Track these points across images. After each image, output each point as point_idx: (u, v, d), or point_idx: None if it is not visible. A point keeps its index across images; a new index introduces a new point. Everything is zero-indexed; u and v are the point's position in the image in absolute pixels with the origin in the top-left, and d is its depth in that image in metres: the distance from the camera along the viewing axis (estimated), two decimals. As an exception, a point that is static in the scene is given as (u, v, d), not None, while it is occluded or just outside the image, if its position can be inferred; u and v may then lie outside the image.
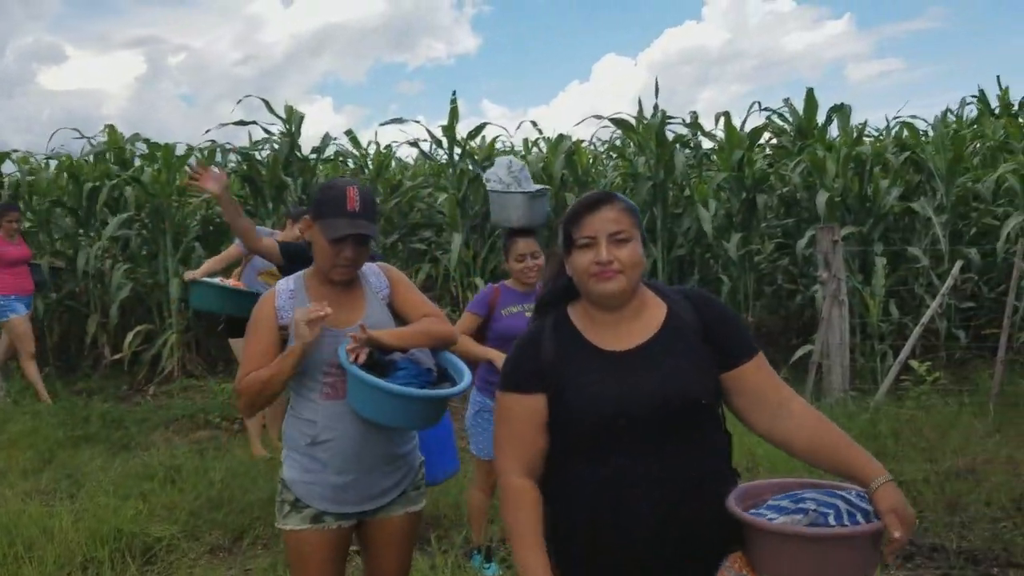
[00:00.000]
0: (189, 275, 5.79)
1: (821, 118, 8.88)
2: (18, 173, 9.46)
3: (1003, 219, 7.78)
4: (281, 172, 8.78)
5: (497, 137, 9.80)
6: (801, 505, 1.67)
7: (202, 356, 8.68)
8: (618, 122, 8.87)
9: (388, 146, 10.28)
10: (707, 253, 8.63)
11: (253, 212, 8.80)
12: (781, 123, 9.27)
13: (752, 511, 1.70)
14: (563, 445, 1.80)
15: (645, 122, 8.57)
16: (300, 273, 2.48)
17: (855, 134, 8.74)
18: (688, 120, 8.91)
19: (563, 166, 8.73)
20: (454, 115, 8.81)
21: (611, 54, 48.25)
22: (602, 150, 10.70)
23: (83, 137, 9.38)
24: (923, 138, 8.76)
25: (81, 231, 9.03)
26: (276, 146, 8.99)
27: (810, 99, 8.81)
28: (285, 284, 2.44)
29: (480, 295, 3.83)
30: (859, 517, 1.62)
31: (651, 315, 1.83)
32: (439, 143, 9.27)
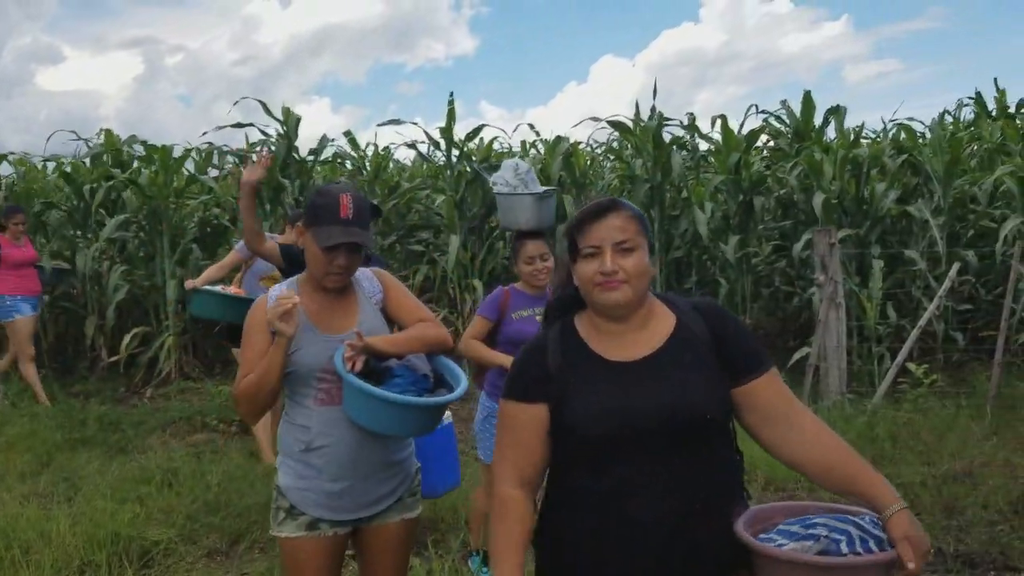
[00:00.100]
0: (190, 284, 5.79)
1: (818, 120, 8.90)
2: (14, 175, 9.44)
3: (1000, 221, 7.80)
4: (278, 174, 8.77)
5: (495, 139, 9.82)
6: (812, 531, 1.63)
7: (199, 358, 8.67)
8: (615, 124, 8.89)
9: (386, 148, 10.29)
10: (704, 255, 8.64)
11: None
12: (778, 125, 9.28)
13: (762, 535, 1.66)
14: (566, 454, 1.78)
15: (642, 124, 8.59)
16: (293, 279, 2.48)
17: (852, 136, 8.76)
18: (685, 122, 8.93)
19: (561, 168, 8.73)
20: (451, 117, 8.83)
21: (609, 55, 48.40)
22: (599, 152, 10.71)
23: (80, 139, 9.39)
24: (920, 140, 8.78)
25: (78, 233, 9.02)
26: (273, 148, 8.99)
27: (807, 101, 8.83)
28: (278, 290, 2.43)
29: (490, 298, 3.77)
30: (872, 544, 1.58)
31: (659, 326, 1.79)
32: (437, 145, 9.28)
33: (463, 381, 2.38)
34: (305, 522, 2.36)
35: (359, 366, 2.22)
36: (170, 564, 4.06)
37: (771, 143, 9.45)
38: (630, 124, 8.76)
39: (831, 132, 8.96)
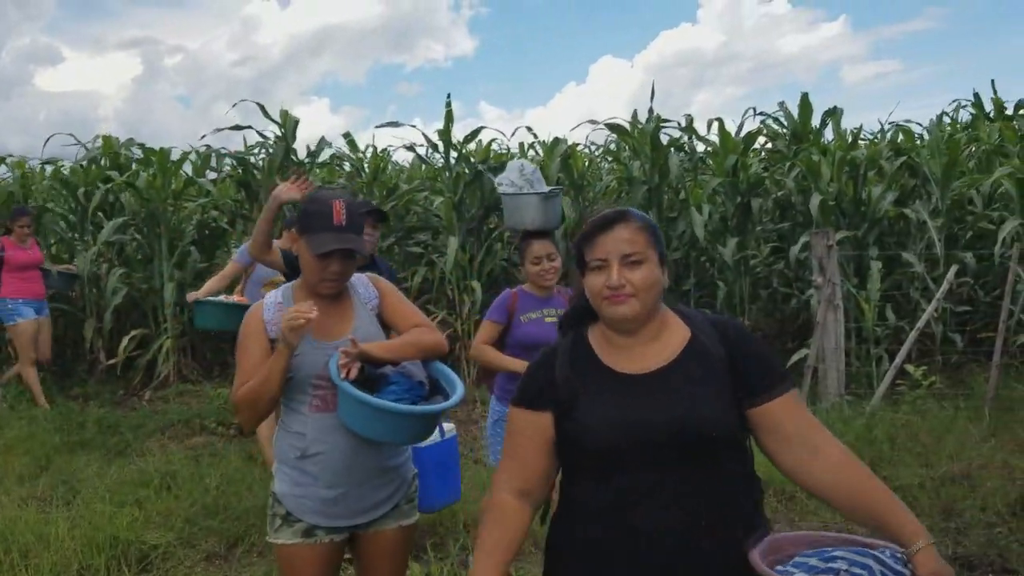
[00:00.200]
0: (192, 296, 5.77)
1: (816, 122, 8.91)
2: (10, 177, 9.43)
3: (999, 223, 7.81)
4: (276, 177, 8.76)
5: (493, 140, 9.83)
6: (831, 564, 1.57)
7: (198, 361, 8.67)
8: (613, 127, 8.90)
9: (384, 149, 10.29)
10: (702, 257, 8.64)
11: (248, 216, 8.80)
12: (776, 127, 9.29)
13: (778, 568, 1.61)
14: (571, 464, 1.78)
15: (640, 126, 8.59)
16: (288, 284, 2.48)
17: (850, 138, 8.77)
18: (683, 124, 8.93)
19: (559, 170, 8.73)
20: (449, 119, 8.82)
21: (607, 56, 48.41)
22: (597, 154, 10.71)
23: (78, 143, 9.38)
24: (918, 142, 8.78)
25: (76, 235, 9.01)
26: (271, 150, 9.00)
27: (805, 103, 8.84)
28: (272, 296, 2.43)
29: (498, 302, 3.74)
30: None
31: (671, 339, 1.76)
32: (435, 147, 9.28)
33: (459, 388, 2.36)
34: (301, 529, 2.35)
35: (354, 373, 2.21)
36: (168, 568, 4.06)
37: (769, 145, 9.46)
38: (628, 126, 8.77)
39: (829, 134, 8.98)
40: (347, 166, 10.19)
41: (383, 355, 2.32)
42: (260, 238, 3.84)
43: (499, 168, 7.62)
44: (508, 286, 3.92)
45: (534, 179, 4.61)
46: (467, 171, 8.79)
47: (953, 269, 6.87)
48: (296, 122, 9.06)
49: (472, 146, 9.31)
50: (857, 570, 1.55)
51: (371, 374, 2.28)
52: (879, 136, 9.83)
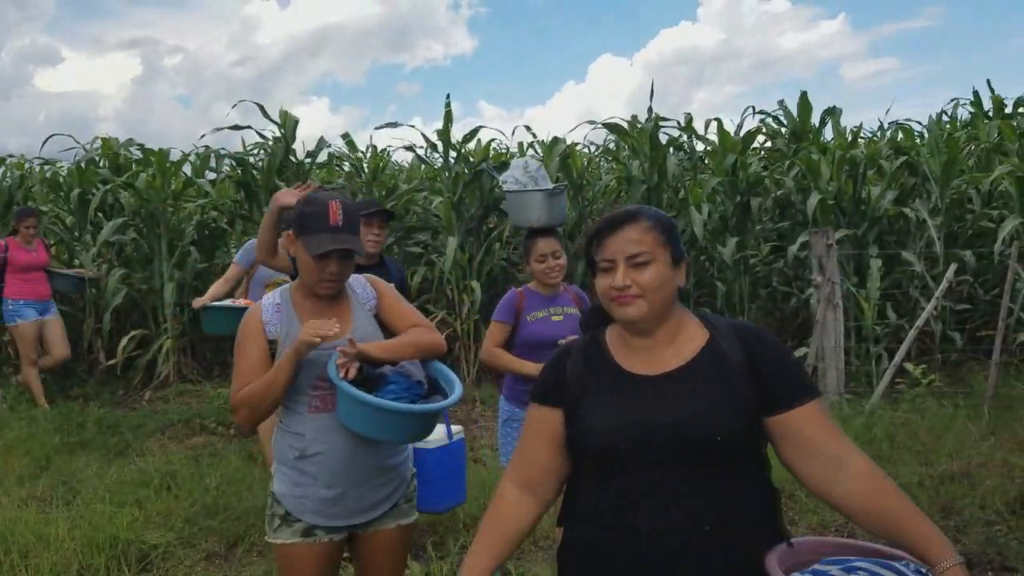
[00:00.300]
0: (197, 303, 5.76)
1: (815, 121, 8.91)
2: (8, 179, 9.43)
3: (998, 222, 7.81)
4: (275, 177, 8.78)
5: (492, 140, 9.83)
6: (852, 575, 1.55)
7: (198, 361, 8.67)
8: (612, 126, 8.89)
9: (384, 150, 10.28)
10: (702, 256, 8.64)
11: (248, 217, 8.81)
12: (775, 126, 9.29)
13: (795, 574, 1.57)
14: (577, 463, 1.78)
15: (639, 126, 8.59)
16: (286, 286, 2.48)
17: (850, 137, 8.77)
18: (682, 123, 8.93)
19: (558, 169, 8.73)
20: (448, 119, 8.82)
21: (607, 55, 48.50)
22: (596, 154, 10.71)
23: (78, 144, 9.39)
24: (918, 141, 8.79)
25: (75, 236, 9.02)
26: (270, 151, 9.00)
27: (804, 102, 8.84)
28: (270, 298, 2.43)
29: (504, 302, 3.70)
30: None
31: (687, 343, 1.74)
32: (434, 147, 9.29)
33: (457, 387, 2.37)
34: (300, 529, 2.36)
35: (352, 373, 2.22)
36: (168, 568, 4.07)
37: (768, 144, 9.46)
38: (626, 126, 8.77)
39: (828, 133, 8.98)
40: (347, 166, 10.20)
41: (381, 355, 2.32)
42: (264, 243, 3.84)
43: (501, 166, 7.62)
44: (507, 286, 3.90)
45: (538, 176, 4.60)
46: (466, 171, 8.79)
47: (952, 267, 6.87)
48: (296, 122, 9.07)
49: (471, 146, 9.33)
50: None
51: (370, 374, 2.28)
52: (879, 135, 9.84)
